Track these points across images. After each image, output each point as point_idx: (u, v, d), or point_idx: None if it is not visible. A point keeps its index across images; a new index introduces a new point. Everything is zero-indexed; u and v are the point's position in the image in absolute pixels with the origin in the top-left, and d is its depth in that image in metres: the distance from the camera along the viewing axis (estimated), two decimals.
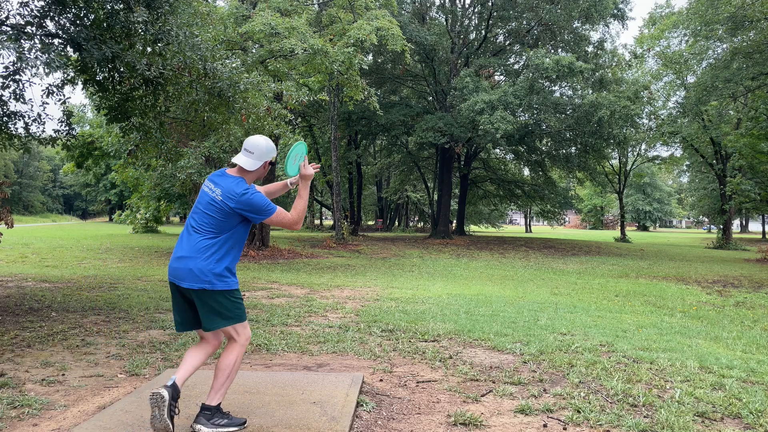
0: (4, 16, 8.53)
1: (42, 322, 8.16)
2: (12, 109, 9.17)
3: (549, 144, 36.74)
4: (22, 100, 8.81)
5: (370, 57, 31.86)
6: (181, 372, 4.16)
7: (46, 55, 7.57)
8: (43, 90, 9.15)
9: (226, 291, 4.17)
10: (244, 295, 11.64)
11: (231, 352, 4.27)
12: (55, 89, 9.28)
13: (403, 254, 26.01)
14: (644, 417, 4.84)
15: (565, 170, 38.55)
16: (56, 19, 8.50)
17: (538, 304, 11.70)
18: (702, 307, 12.76)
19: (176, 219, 79.26)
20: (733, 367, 6.50)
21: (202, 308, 4.18)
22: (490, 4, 33.26)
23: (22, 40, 7.91)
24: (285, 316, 9.06)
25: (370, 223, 67.80)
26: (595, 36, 53.23)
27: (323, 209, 71.62)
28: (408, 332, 7.97)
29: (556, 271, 21.36)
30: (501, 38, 35.88)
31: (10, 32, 7.82)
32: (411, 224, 66.02)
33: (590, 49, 33.44)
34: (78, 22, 8.60)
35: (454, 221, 45.24)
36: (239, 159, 4.36)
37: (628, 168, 52.38)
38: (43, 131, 9.79)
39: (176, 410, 4.00)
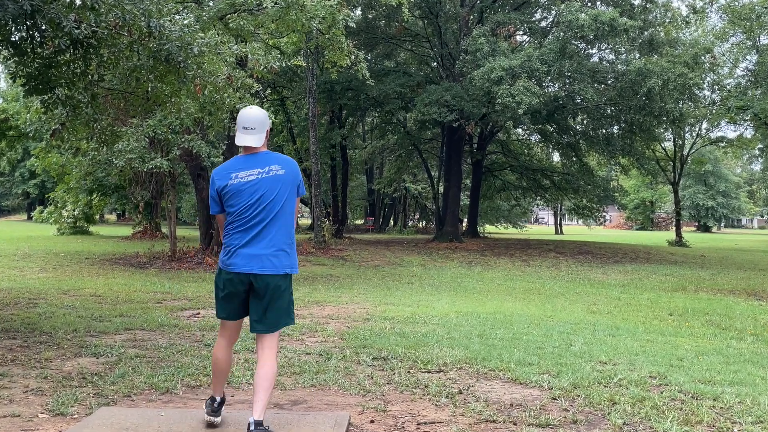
0: None
1: None
2: None
3: (585, 122, 36.82)
4: None
5: (359, 12, 31.90)
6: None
7: None
8: None
9: None
10: (198, 313, 11.65)
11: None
12: None
13: (400, 262, 26.03)
14: None
15: (606, 155, 38.63)
16: None
17: (571, 324, 11.73)
18: None
19: (112, 217, 79.09)
20: None
21: None
22: None
23: None
24: (250, 339, 9.07)
25: (359, 222, 67.93)
26: None
27: (299, 205, 71.55)
28: (406, 360, 7.98)
29: (593, 284, 21.41)
30: None
31: None
32: (410, 224, 66.09)
33: (637, 2, 33.45)
34: None
35: (465, 220, 45.30)
36: (248, 140, 5.15)
37: (685, 153, 52.46)
38: None
39: None
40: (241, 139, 5.13)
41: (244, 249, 5.06)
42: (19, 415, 5.73)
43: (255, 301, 5.13)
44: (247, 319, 5.28)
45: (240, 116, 5.16)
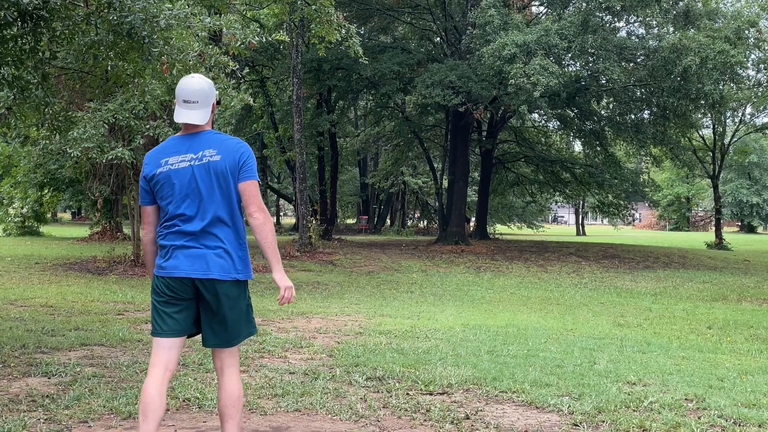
0: None
1: None
2: None
3: (611, 106, 36.89)
4: None
5: None
6: None
7: None
8: None
9: None
10: None
11: None
12: None
13: (398, 267, 26.05)
14: None
15: (635, 144, 38.64)
16: None
17: (594, 339, 11.75)
18: None
19: (66, 216, 79.04)
20: None
21: None
22: None
23: None
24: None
25: (351, 221, 67.99)
26: None
27: (281, 201, 71.58)
28: (405, 381, 7.99)
29: (621, 292, 21.44)
30: None
31: None
32: (410, 224, 66.18)
33: None
34: None
35: (473, 219, 45.35)
36: (188, 116, 4.91)
37: (726, 141, 52.47)
38: None
39: None
40: (180, 116, 4.87)
41: (182, 250, 4.84)
42: None
43: (205, 312, 4.94)
44: (196, 340, 5.31)
45: (179, 87, 4.88)
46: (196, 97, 4.84)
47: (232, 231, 4.89)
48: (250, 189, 4.86)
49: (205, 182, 4.81)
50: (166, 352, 4.88)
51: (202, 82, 4.93)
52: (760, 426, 6.56)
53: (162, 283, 4.89)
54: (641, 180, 44.23)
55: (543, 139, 45.32)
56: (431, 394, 7.52)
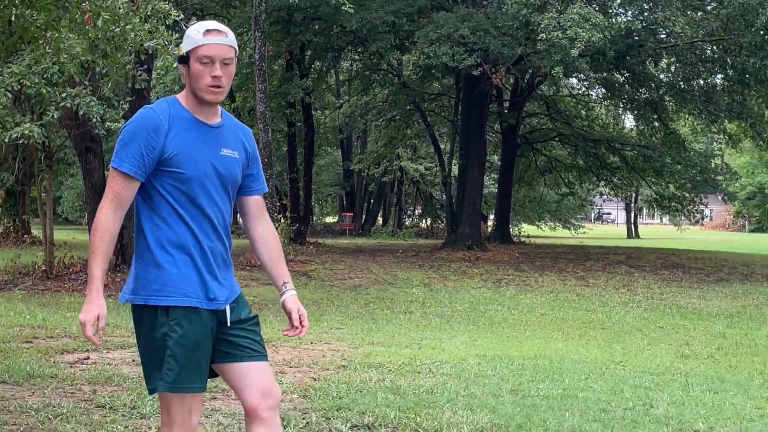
0: None
1: None
2: None
3: (673, 69, 36.96)
4: None
5: None
6: None
7: None
8: None
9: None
10: (87, 357, 11.64)
11: None
12: None
13: (393, 280, 26.11)
14: None
15: (705, 119, 38.77)
16: None
17: (651, 375, 11.78)
18: None
19: None
20: None
21: None
22: None
23: None
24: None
25: (331, 220, 68.06)
26: None
27: None
28: (403, 430, 8.01)
29: (685, 313, 21.50)
30: None
31: None
32: (408, 223, 66.28)
33: None
34: None
35: (492, 217, 45.41)
36: None
37: None
38: None
39: None
40: None
41: None
42: None
43: None
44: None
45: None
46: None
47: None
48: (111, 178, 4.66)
49: None
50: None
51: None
52: None
53: None
54: (713, 165, 44.40)
55: (584, 112, 45.45)
56: None
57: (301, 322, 4.75)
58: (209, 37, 4.44)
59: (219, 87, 4.47)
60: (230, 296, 4.60)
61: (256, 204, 4.90)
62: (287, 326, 4.83)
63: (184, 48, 4.58)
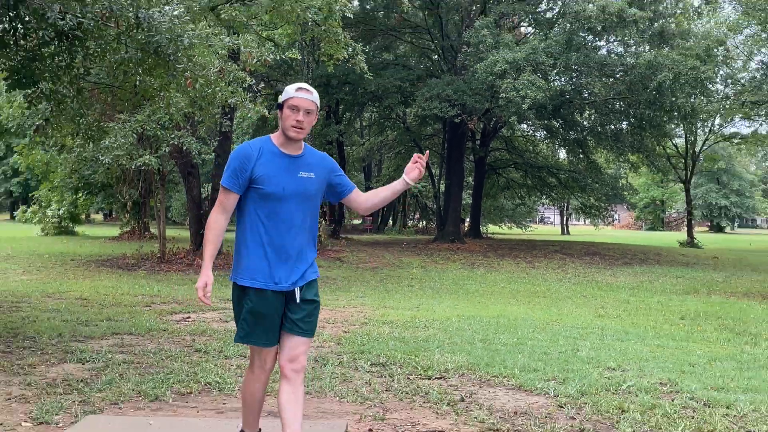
0: None
1: None
2: None
3: (593, 117, 36.81)
4: None
5: (356, 2, 31.89)
6: None
7: None
8: None
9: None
10: (188, 317, 11.63)
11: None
12: None
13: (399, 263, 26.03)
14: None
15: (614, 152, 38.63)
16: None
17: (578, 329, 11.73)
18: None
19: (98, 217, 79.07)
20: None
21: None
22: None
23: None
24: (243, 345, 9.05)
25: (356, 222, 67.85)
26: None
27: None
28: (406, 366, 7.98)
29: (601, 286, 21.41)
30: None
31: None
32: (410, 224, 66.05)
33: None
34: None
35: (468, 220, 45.26)
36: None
37: (698, 149, 52.45)
38: None
39: None
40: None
41: None
42: (1, 424, 5.72)
43: None
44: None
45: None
46: None
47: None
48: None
49: None
50: None
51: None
52: (728, 407, 6.55)
53: None
54: (620, 184, 44.29)
55: (531, 147, 45.23)
56: (429, 379, 7.51)
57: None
58: (299, 93, 4.59)
59: (300, 128, 4.57)
60: (299, 281, 4.64)
61: (355, 195, 5.02)
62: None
63: (281, 98, 4.68)
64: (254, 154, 4.63)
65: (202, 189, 26.01)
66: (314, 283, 4.77)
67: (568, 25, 28.69)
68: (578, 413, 6.30)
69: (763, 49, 43.12)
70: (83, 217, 47.40)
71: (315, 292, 4.76)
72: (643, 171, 57.32)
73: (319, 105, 4.69)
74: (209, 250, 4.64)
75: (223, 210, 4.66)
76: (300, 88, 4.61)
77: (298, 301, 4.64)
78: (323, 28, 19.78)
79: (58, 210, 38.84)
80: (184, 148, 21.14)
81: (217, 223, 4.66)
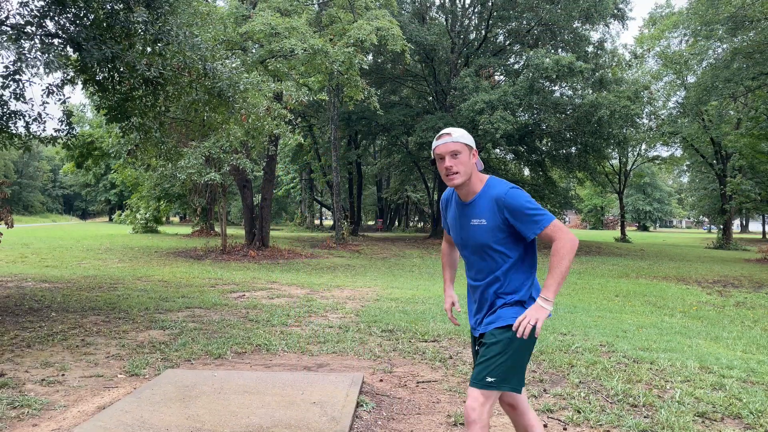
0: (4, 16, 8.53)
1: (42, 323, 8.15)
2: (12, 108, 9.15)
3: (549, 144, 36.73)
4: (22, 99, 8.79)
5: (370, 57, 31.86)
6: None
7: (46, 55, 7.57)
8: (43, 90, 9.10)
9: None
10: (244, 295, 11.64)
11: None
12: (55, 89, 9.25)
13: (403, 254, 26.00)
14: (644, 417, 4.84)
15: (566, 170, 38.57)
16: (56, 19, 8.49)
17: None
18: (702, 308, 12.76)
19: (176, 219, 79.29)
20: (733, 367, 6.50)
21: None
22: (490, 4, 33.21)
23: (22, 40, 7.90)
24: (285, 316, 9.06)
25: (370, 223, 67.79)
26: (595, 36, 53.18)
27: (323, 209, 71.58)
28: (408, 332, 7.97)
29: None
30: (501, 38, 35.83)
31: (10, 32, 7.82)
32: (411, 224, 65.97)
33: (590, 49, 33.39)
34: (78, 22, 8.59)
35: None
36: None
37: (629, 168, 52.31)
38: (44, 130, 9.76)
39: None
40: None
41: None
42: (102, 375, 5.74)
43: None
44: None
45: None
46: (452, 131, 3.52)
47: None
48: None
49: None
50: None
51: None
52: (651, 363, 6.53)
53: None
54: (570, 194, 44.04)
55: (503, 167, 45.04)
56: (426, 341, 7.50)
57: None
58: (438, 140, 3.41)
59: (451, 174, 3.39)
60: (481, 329, 3.47)
61: (546, 238, 3.44)
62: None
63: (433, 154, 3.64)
64: (443, 204, 3.81)
65: (254, 198, 25.94)
66: (494, 331, 3.43)
67: (530, 74, 28.62)
68: (538, 367, 6.28)
69: (677, 92, 43.17)
70: (164, 219, 47.58)
71: (493, 340, 3.42)
72: (588, 184, 57.03)
73: (466, 142, 3.44)
74: (446, 273, 4.05)
75: (448, 244, 4.03)
76: (440, 135, 3.46)
77: (477, 345, 3.57)
78: (346, 76, 19.81)
79: (145, 214, 38.98)
80: (240, 167, 21.19)
81: (443, 251, 4.05)
